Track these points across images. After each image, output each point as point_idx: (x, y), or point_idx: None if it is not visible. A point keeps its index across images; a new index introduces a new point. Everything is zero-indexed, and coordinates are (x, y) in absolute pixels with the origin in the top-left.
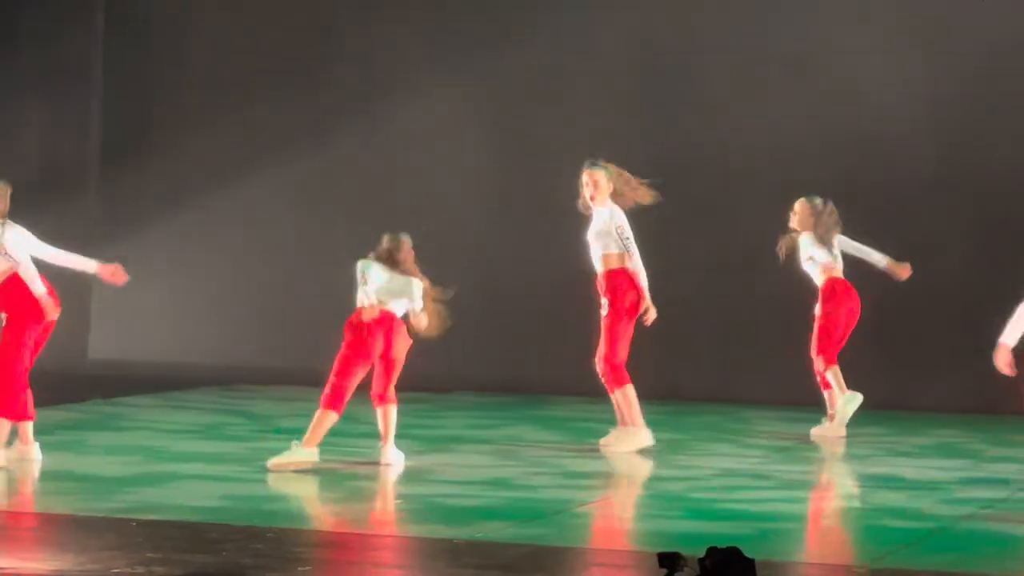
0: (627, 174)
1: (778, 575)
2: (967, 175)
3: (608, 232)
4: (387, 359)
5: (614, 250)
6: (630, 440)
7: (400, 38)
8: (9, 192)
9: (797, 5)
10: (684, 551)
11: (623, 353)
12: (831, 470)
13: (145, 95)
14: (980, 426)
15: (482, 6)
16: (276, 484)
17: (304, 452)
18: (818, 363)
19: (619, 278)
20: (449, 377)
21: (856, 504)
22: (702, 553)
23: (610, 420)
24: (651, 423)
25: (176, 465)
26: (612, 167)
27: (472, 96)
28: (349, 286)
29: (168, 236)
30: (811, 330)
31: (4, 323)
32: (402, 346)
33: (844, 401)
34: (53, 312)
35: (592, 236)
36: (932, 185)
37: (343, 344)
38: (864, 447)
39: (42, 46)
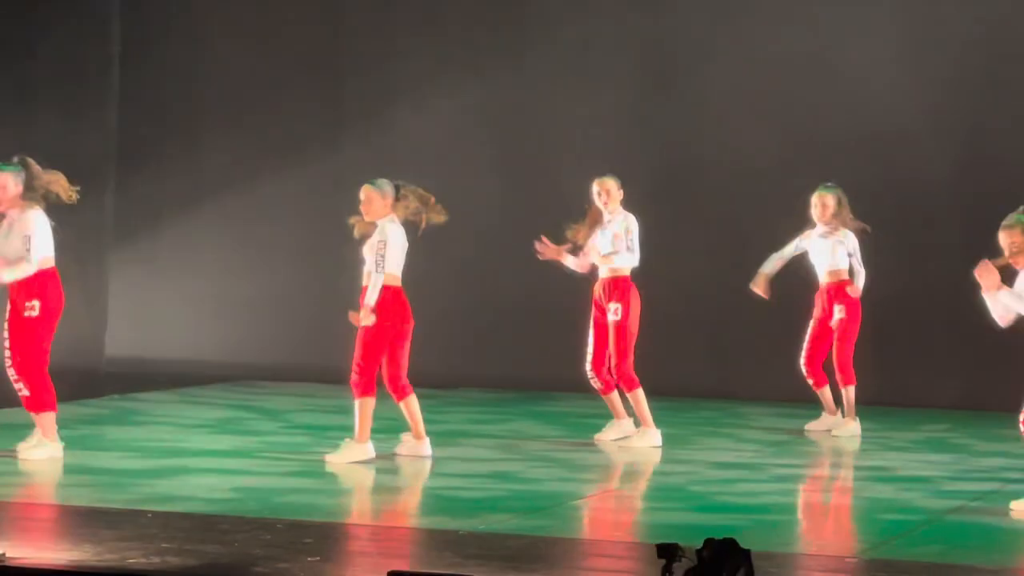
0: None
1: (773, 566)
2: (967, 176)
3: (620, 239)
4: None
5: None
6: (648, 438)
7: (409, 50)
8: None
9: (797, 11)
10: (682, 542)
11: (631, 358)
12: (824, 464)
13: (160, 101)
14: (968, 422)
15: (489, 18)
16: (286, 477)
17: (360, 448)
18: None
19: (627, 284)
20: (454, 375)
21: (849, 497)
22: (700, 544)
23: (607, 415)
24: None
25: (190, 459)
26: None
27: (478, 105)
28: (357, 286)
29: (182, 237)
30: (804, 329)
31: (36, 313)
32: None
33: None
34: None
35: (604, 242)
36: (933, 187)
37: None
38: (856, 442)
39: (61, 54)
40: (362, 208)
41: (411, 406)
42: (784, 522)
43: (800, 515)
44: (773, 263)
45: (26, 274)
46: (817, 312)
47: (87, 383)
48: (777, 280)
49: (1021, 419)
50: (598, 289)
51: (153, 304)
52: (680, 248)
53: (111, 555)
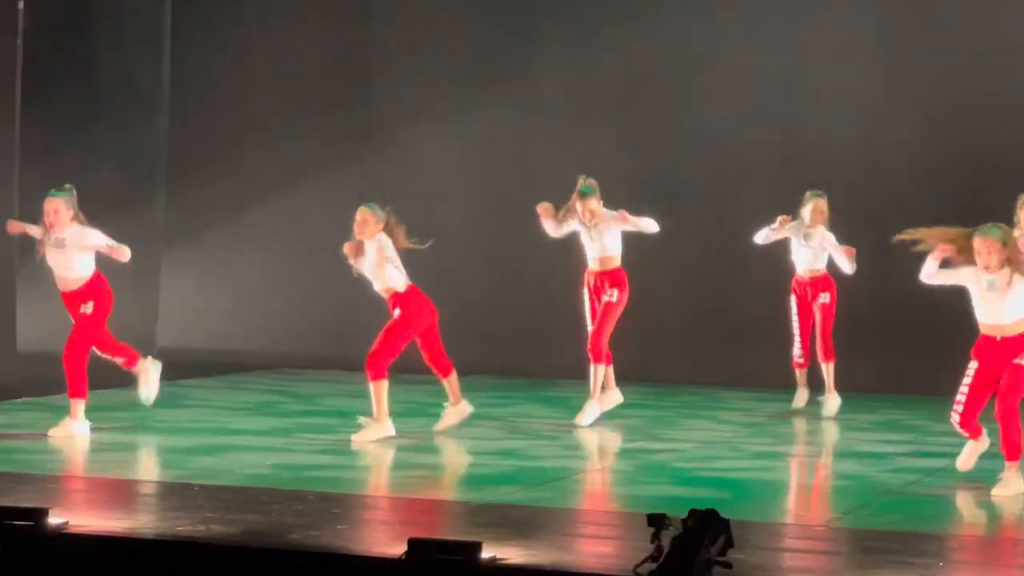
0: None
1: (750, 533)
2: (954, 176)
3: (616, 236)
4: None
5: (619, 251)
6: (591, 412)
7: (429, 70)
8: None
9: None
10: (669, 513)
11: (608, 337)
12: (796, 443)
13: (207, 117)
14: (923, 406)
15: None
16: (316, 454)
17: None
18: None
19: (624, 275)
20: (465, 362)
21: (818, 472)
22: (685, 514)
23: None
24: (635, 402)
25: (232, 438)
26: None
27: (490, 120)
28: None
29: (226, 240)
30: (775, 321)
31: (90, 311)
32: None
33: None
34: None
35: (605, 241)
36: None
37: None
38: (823, 423)
39: (118, 76)
40: (356, 228)
41: (452, 380)
42: (760, 495)
43: (774, 488)
44: (764, 235)
45: (128, 254)
46: (798, 305)
47: None
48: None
49: (952, 413)
50: (594, 280)
51: (200, 300)
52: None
53: (162, 524)
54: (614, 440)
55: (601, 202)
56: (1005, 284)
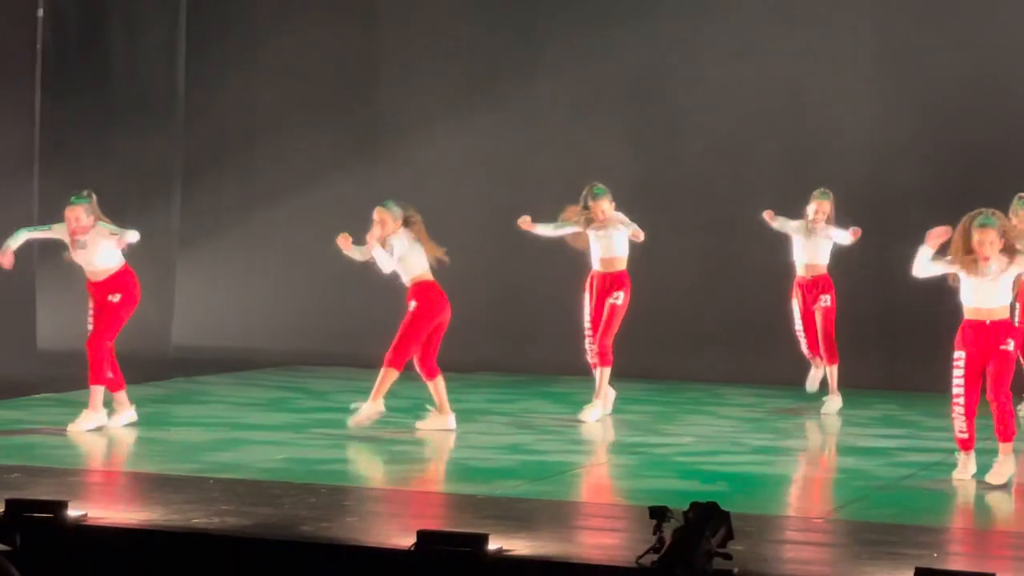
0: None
1: (750, 526)
2: (955, 176)
3: (624, 237)
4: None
5: (625, 253)
6: (595, 411)
7: (436, 74)
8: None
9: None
10: (670, 505)
11: (613, 338)
12: (794, 438)
13: (219, 124)
14: (919, 401)
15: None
16: (327, 449)
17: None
18: (832, 359)
19: (627, 277)
20: (472, 360)
21: (815, 466)
22: (686, 507)
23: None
24: (637, 399)
25: (245, 432)
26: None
27: (495, 123)
28: (391, 282)
29: (239, 240)
30: (776, 321)
31: (117, 301)
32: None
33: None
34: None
35: (613, 242)
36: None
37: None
38: (822, 419)
39: (133, 82)
40: (375, 228)
41: (439, 385)
42: (760, 488)
43: (774, 482)
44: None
45: (135, 235)
46: (800, 304)
47: (156, 367)
48: (752, 276)
49: (953, 413)
50: (598, 282)
51: (213, 298)
52: (668, 250)
53: (177, 516)
54: (617, 435)
55: (613, 204)
56: (1000, 271)
